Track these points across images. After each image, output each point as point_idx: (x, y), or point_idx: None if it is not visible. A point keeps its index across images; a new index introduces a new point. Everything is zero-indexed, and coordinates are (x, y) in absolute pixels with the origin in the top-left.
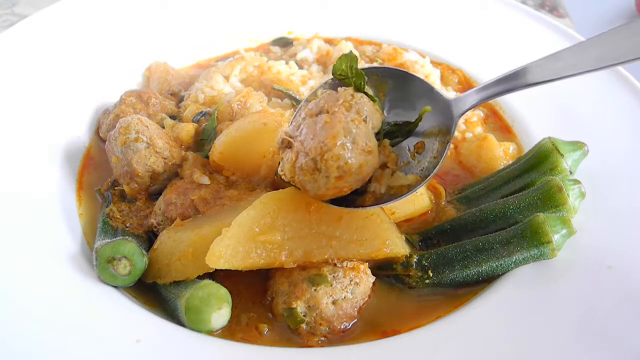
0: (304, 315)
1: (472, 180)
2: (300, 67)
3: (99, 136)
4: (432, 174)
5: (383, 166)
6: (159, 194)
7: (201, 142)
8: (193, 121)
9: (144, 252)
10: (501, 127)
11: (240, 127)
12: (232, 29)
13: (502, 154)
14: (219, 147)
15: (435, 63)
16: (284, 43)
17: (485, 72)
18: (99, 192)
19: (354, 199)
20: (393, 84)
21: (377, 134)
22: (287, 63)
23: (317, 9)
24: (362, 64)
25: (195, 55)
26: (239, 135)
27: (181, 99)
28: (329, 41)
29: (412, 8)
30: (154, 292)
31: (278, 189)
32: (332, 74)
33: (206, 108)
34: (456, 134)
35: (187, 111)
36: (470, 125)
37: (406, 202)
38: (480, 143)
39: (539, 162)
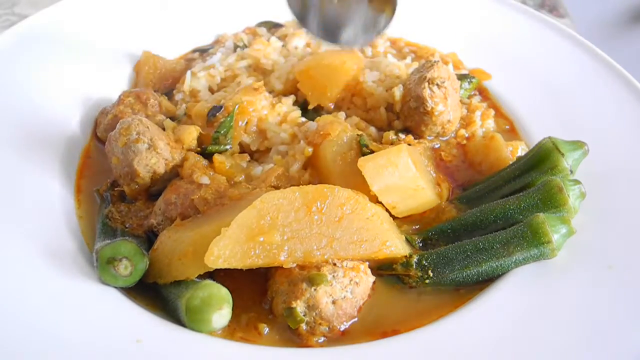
0: (303, 315)
1: (478, 180)
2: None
3: (97, 136)
4: None
5: None
6: (158, 194)
7: (215, 134)
8: (208, 116)
9: (145, 252)
10: (510, 128)
11: (325, 56)
12: (227, 21)
13: (509, 155)
14: (302, 66)
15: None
16: (272, 25)
17: (486, 71)
18: (97, 192)
19: None
20: None
21: None
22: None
23: None
24: None
25: (188, 45)
26: (322, 61)
27: (170, 95)
28: None
29: (412, 7)
30: (154, 293)
31: (279, 189)
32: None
33: (218, 103)
34: (462, 132)
35: (198, 105)
36: (483, 116)
37: (407, 197)
38: (487, 143)
39: (539, 162)
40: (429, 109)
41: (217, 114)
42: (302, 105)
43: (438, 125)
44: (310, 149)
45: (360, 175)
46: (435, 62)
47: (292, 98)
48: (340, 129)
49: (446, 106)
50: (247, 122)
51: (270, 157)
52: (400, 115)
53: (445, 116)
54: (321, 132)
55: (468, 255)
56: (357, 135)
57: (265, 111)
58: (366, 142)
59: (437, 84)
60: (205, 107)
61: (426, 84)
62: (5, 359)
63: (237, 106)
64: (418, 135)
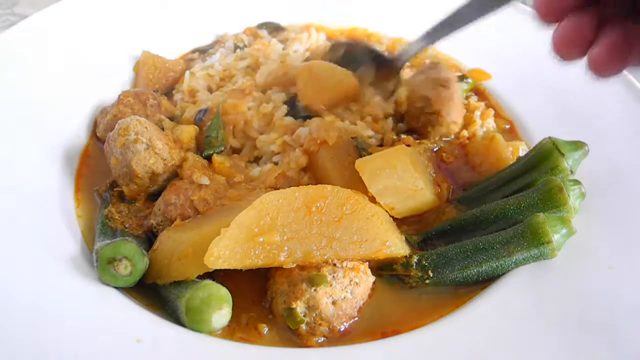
0: (303, 316)
1: (478, 180)
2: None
3: (96, 136)
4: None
5: None
6: (158, 194)
7: (207, 139)
8: (195, 120)
9: (145, 252)
10: (511, 128)
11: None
12: (228, 22)
13: (509, 155)
14: (305, 64)
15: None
16: (273, 28)
17: (485, 70)
18: (97, 192)
19: None
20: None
21: None
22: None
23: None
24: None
25: (188, 45)
26: (327, 65)
27: (169, 95)
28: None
29: (412, 7)
30: (154, 293)
31: (278, 189)
32: None
33: (203, 105)
34: (463, 132)
35: (186, 112)
36: (483, 115)
37: (406, 198)
38: (487, 143)
39: (539, 162)
40: (436, 109)
41: (203, 117)
42: (291, 101)
43: (444, 125)
44: (305, 157)
45: (360, 177)
46: (438, 63)
47: (281, 96)
48: (336, 135)
49: (452, 107)
50: (233, 127)
51: (265, 164)
52: (406, 117)
53: (451, 117)
54: (318, 140)
55: (468, 256)
56: (353, 138)
57: (251, 113)
58: (364, 146)
59: (443, 85)
60: (192, 112)
61: (432, 84)
62: (5, 358)
63: (220, 106)
64: (424, 136)
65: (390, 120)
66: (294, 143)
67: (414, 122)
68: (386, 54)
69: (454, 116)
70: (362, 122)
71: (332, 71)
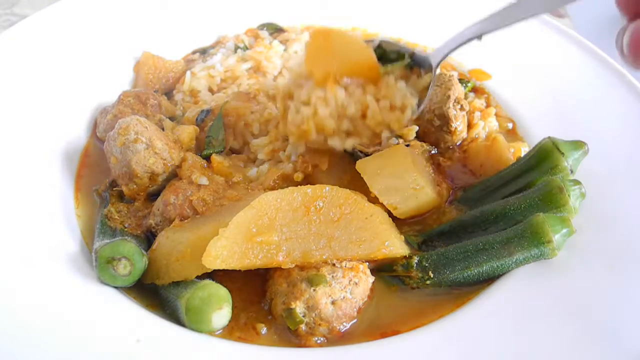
0: (303, 316)
1: (479, 181)
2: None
3: (97, 136)
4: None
5: None
6: (157, 194)
7: (207, 139)
8: (197, 121)
9: (144, 252)
10: (511, 129)
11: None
12: (228, 22)
13: (511, 157)
14: (325, 29)
15: None
16: (274, 29)
17: (486, 71)
18: (96, 192)
19: None
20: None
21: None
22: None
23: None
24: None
25: (188, 46)
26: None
27: (170, 94)
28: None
29: (412, 7)
30: (153, 293)
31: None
32: None
33: (206, 106)
34: (465, 133)
35: (187, 112)
36: (484, 115)
37: (408, 197)
38: (489, 144)
39: (540, 162)
40: (453, 129)
41: (205, 117)
42: None
43: (454, 140)
44: (301, 174)
45: (360, 180)
46: (451, 76)
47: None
48: (327, 160)
49: (465, 124)
50: (234, 128)
51: (261, 164)
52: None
53: (462, 134)
54: (310, 166)
55: (468, 256)
56: (345, 152)
57: (253, 116)
58: (360, 156)
59: (462, 105)
60: (194, 112)
61: (451, 104)
62: (4, 358)
63: (222, 108)
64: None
65: (408, 113)
66: (283, 158)
67: (426, 137)
68: (420, 51)
69: (464, 132)
70: (374, 108)
71: (351, 40)
